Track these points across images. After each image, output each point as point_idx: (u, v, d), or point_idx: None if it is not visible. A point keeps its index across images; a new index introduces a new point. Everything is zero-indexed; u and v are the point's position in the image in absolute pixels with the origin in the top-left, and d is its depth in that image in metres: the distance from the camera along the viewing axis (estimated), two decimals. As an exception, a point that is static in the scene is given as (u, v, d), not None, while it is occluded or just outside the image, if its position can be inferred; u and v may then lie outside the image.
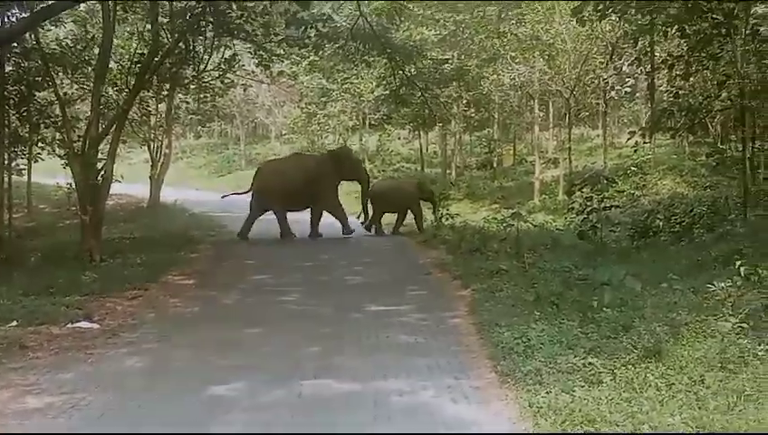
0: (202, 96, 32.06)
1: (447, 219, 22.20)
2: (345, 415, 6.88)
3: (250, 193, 22.37)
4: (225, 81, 29.83)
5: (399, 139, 44.67)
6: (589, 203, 17.68)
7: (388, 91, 33.47)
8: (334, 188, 22.27)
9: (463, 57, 35.30)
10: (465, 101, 37.92)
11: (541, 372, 7.58)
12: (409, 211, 22.91)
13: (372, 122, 44.70)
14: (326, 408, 7.11)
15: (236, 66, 29.04)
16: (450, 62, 34.73)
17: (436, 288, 13.75)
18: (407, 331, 10.20)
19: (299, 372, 8.21)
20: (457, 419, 6.77)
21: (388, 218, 23.14)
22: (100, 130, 17.76)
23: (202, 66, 27.33)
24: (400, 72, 25.85)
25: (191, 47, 24.96)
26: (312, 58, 35.32)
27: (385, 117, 42.26)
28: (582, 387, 7.12)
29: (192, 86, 29.09)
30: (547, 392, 6.99)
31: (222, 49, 27.91)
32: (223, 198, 24.24)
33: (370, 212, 22.72)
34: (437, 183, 32.29)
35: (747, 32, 17.73)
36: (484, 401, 7.19)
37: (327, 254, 18.53)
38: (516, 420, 6.59)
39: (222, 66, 28.50)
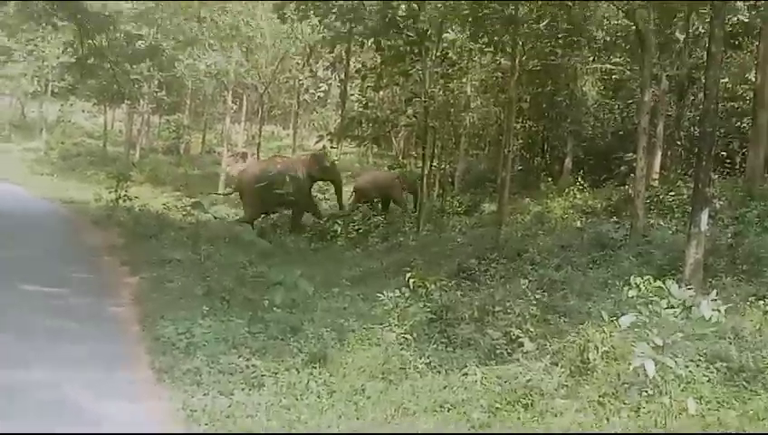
0: None
1: (125, 201, 20.93)
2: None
3: None
4: None
5: (84, 111, 42.07)
6: (271, 201, 17.56)
7: (74, 60, 31.40)
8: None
9: (159, 36, 33.99)
10: (156, 82, 36.62)
11: (201, 371, 7.19)
12: None
13: (55, 90, 41.85)
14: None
15: None
16: (144, 38, 33.31)
17: (102, 272, 12.81)
18: (61, 315, 9.32)
19: None
20: (102, 417, 6.18)
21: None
22: None
23: None
24: (90, 40, 24.31)
25: None
26: (-8, 11, 32.28)
27: (70, 86, 39.68)
28: (243, 390, 6.83)
29: None
30: (204, 394, 6.62)
31: None
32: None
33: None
34: (118, 162, 30.82)
35: (437, 54, 18.60)
36: (136, 399, 6.68)
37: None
38: (168, 422, 6.14)
39: None
